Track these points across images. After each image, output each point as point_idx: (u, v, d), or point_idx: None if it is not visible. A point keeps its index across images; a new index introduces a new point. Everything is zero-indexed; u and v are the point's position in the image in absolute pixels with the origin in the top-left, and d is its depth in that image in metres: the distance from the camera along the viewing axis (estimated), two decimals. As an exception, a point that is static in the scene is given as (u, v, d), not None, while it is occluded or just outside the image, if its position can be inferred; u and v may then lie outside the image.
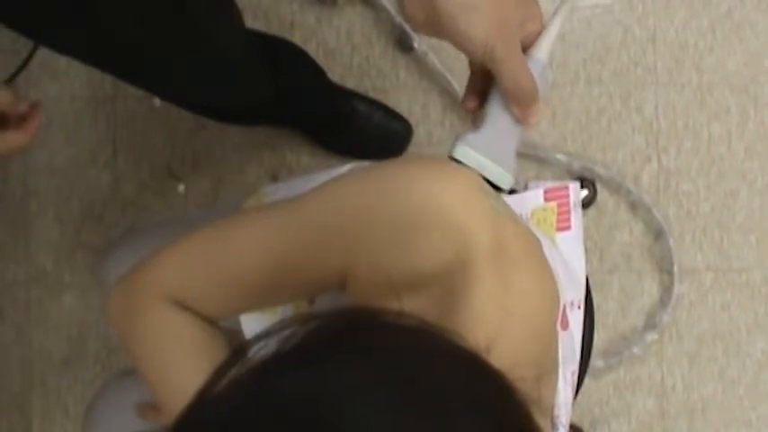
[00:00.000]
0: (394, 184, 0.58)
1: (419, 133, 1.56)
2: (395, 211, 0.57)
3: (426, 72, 1.57)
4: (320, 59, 1.45)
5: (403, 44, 1.56)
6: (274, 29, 1.54)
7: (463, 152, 0.68)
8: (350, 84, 1.56)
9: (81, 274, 1.58)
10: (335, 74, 1.54)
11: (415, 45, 1.54)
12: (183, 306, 0.65)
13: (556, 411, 0.72)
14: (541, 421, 0.43)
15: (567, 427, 0.77)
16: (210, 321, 0.66)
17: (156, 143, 1.58)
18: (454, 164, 0.66)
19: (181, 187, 1.58)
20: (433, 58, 1.54)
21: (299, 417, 0.37)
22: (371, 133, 1.51)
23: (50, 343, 1.57)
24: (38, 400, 1.57)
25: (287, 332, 0.41)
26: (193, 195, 1.58)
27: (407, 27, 1.55)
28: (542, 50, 0.69)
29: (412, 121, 1.55)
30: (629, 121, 1.58)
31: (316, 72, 1.43)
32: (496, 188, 0.68)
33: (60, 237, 1.58)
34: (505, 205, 0.63)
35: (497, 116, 0.69)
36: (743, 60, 1.59)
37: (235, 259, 0.63)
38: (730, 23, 1.59)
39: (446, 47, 1.71)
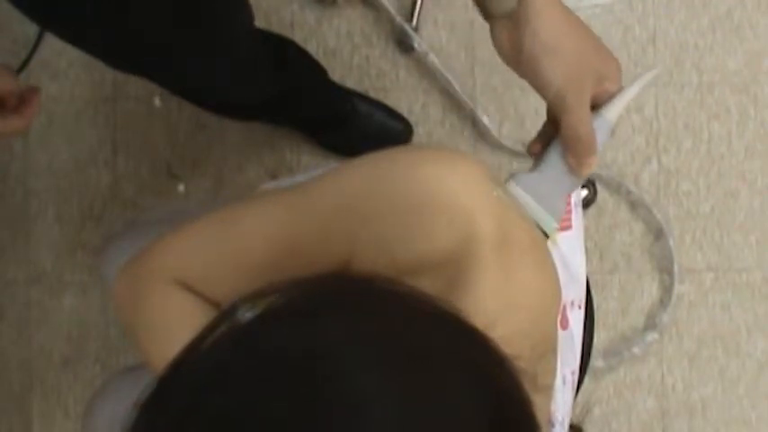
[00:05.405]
0: (403, 168, 0.59)
1: (419, 133, 1.56)
2: (402, 194, 0.58)
3: (426, 72, 1.57)
4: (320, 59, 1.45)
5: (403, 44, 1.56)
6: (274, 29, 1.54)
7: (511, 189, 0.70)
8: (350, 84, 1.56)
9: (81, 273, 1.58)
10: (335, 74, 1.54)
11: (415, 45, 1.54)
12: (189, 289, 0.65)
13: (553, 408, 0.72)
14: (537, 398, 0.43)
15: (567, 426, 0.77)
16: (217, 305, 0.66)
17: (156, 143, 1.58)
18: (463, 152, 0.67)
19: (181, 187, 1.58)
20: (433, 59, 1.54)
21: (281, 369, 0.38)
22: (371, 133, 1.51)
23: (50, 343, 1.57)
24: (38, 400, 1.57)
25: (277, 293, 0.42)
26: (193, 195, 1.58)
27: (407, 27, 1.55)
28: (612, 111, 0.71)
29: (412, 120, 1.55)
30: (629, 121, 1.58)
31: (317, 72, 1.43)
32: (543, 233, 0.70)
33: (60, 237, 1.58)
34: (513, 199, 0.63)
35: (553, 162, 0.71)
36: (743, 60, 1.59)
37: (243, 242, 0.63)
38: (730, 24, 1.59)
39: (446, 47, 1.70)
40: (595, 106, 0.70)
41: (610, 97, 0.71)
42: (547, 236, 0.70)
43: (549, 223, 0.70)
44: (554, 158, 0.71)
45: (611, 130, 0.71)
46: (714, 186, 1.58)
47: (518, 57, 0.68)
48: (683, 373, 1.57)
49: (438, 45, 1.58)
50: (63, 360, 1.57)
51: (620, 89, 0.71)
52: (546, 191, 0.70)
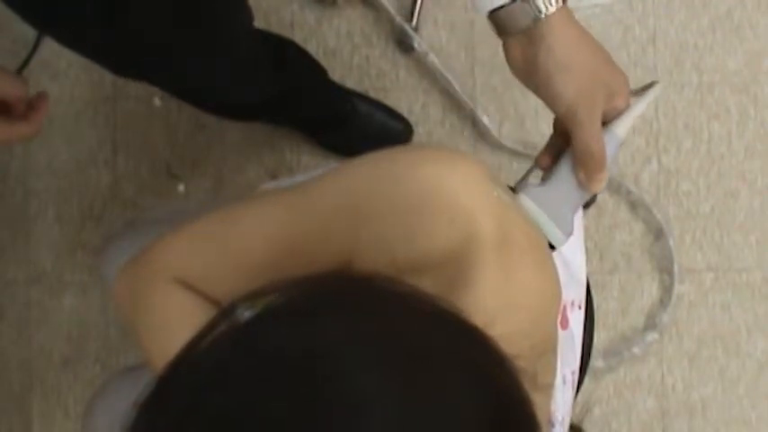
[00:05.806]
0: (403, 168, 0.60)
1: (419, 133, 1.56)
2: (403, 194, 0.58)
3: (426, 72, 1.57)
4: (320, 59, 1.45)
5: (403, 44, 1.56)
6: (274, 29, 1.54)
7: (522, 201, 0.71)
8: (350, 84, 1.56)
9: (81, 273, 1.58)
10: (335, 74, 1.54)
11: (415, 45, 1.54)
12: (190, 288, 0.65)
13: (553, 407, 0.72)
14: (537, 397, 0.43)
15: (567, 426, 0.77)
16: (218, 304, 0.66)
17: (155, 143, 1.58)
18: (463, 152, 0.67)
19: (181, 187, 1.58)
20: (433, 59, 1.54)
21: (281, 369, 0.38)
22: (371, 133, 1.51)
23: (50, 343, 1.57)
24: (38, 400, 1.57)
25: (277, 292, 0.42)
26: (193, 195, 1.58)
27: (407, 27, 1.55)
28: (621, 127, 0.72)
29: (412, 120, 1.55)
30: (629, 121, 1.58)
31: (317, 72, 1.43)
32: (550, 246, 0.71)
33: (60, 237, 1.58)
34: (513, 198, 0.63)
35: (563, 176, 0.72)
36: (743, 60, 1.59)
37: (243, 242, 0.63)
38: (730, 24, 1.59)
39: (446, 47, 1.70)
40: (604, 122, 0.71)
41: (618, 113, 0.72)
42: (553, 248, 0.70)
43: (558, 237, 0.71)
44: (564, 173, 0.72)
45: (619, 146, 0.72)
46: (714, 186, 1.58)
47: (531, 72, 0.69)
48: (683, 373, 1.57)
49: (438, 45, 1.58)
50: (63, 360, 1.57)
51: (629, 105, 0.72)
52: (555, 204, 0.71)
